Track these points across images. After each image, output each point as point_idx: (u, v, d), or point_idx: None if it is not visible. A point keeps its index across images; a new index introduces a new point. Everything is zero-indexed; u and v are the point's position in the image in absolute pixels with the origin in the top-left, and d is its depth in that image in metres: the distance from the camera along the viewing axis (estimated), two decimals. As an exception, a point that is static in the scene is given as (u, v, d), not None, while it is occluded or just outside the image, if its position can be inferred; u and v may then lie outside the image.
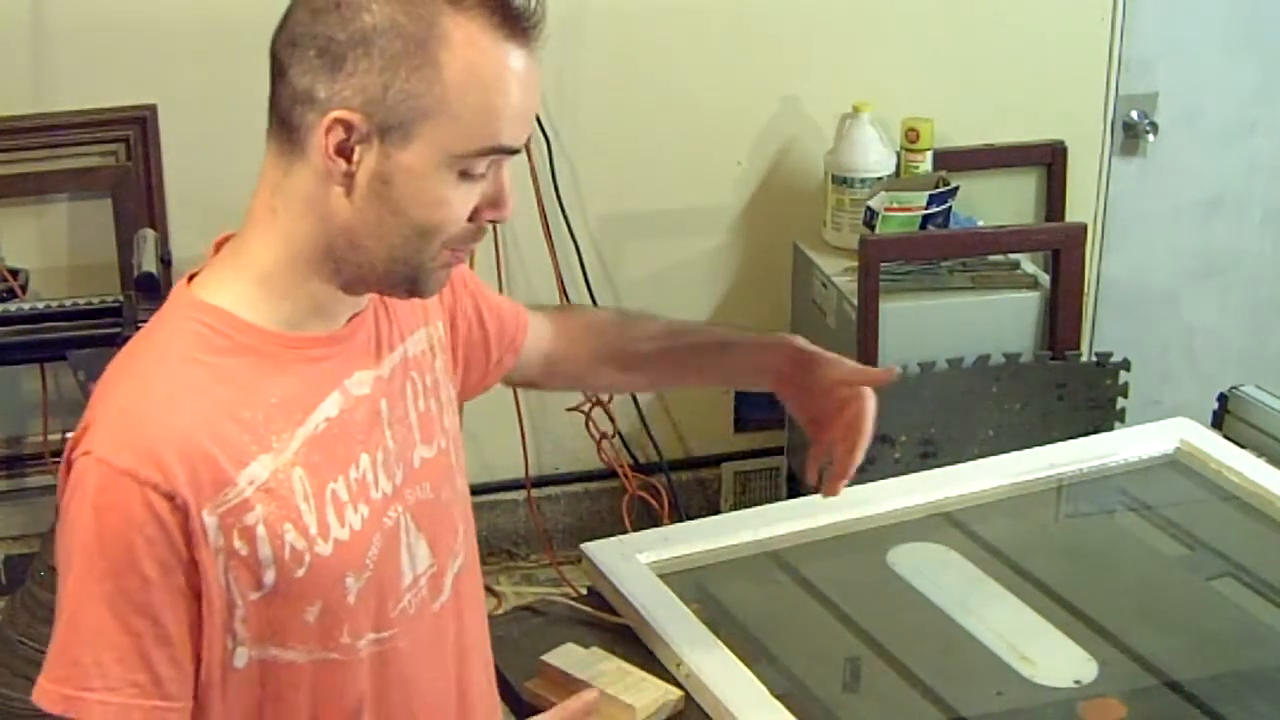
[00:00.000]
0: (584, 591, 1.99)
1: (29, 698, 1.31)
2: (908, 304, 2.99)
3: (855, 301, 2.96)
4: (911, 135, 3.25)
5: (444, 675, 1.49)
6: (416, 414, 1.46)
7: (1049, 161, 3.47)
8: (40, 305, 2.73)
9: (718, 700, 1.68)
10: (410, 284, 1.35)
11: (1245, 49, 3.54)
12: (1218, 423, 2.35)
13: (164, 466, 1.24)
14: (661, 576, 1.90)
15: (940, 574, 1.98)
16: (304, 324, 1.35)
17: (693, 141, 3.29)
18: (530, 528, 3.43)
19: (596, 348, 1.78)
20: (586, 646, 1.78)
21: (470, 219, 1.32)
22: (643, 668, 1.74)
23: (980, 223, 3.32)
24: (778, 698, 1.69)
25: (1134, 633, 1.87)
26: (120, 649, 1.25)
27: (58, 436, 3.03)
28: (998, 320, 3.03)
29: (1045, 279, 3.06)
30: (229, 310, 1.32)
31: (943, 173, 3.20)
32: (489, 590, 3.24)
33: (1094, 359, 3.02)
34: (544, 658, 1.75)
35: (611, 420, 3.36)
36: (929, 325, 2.99)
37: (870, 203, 3.11)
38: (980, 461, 2.26)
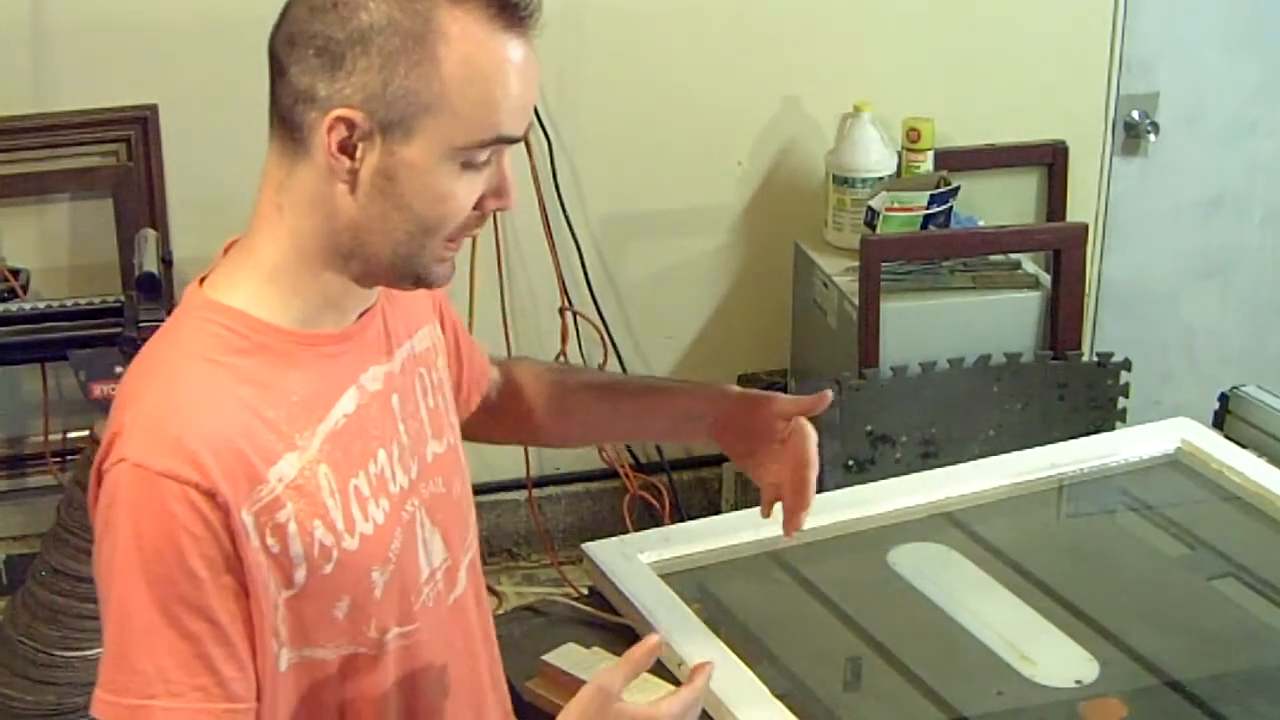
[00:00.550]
0: (585, 591, 1.99)
1: (29, 697, 1.31)
2: (909, 304, 2.99)
3: (856, 301, 2.96)
4: (912, 135, 3.25)
5: (466, 667, 1.51)
6: (426, 409, 1.48)
7: (1050, 161, 3.47)
8: (41, 305, 2.73)
9: (718, 700, 1.67)
10: (416, 277, 1.35)
11: (1246, 49, 3.54)
12: (1219, 423, 2.35)
13: (201, 466, 1.24)
14: (662, 576, 1.90)
15: (941, 574, 1.98)
16: (316, 320, 1.36)
17: (694, 141, 3.29)
18: (531, 528, 3.43)
19: (536, 393, 1.76)
20: (588, 646, 1.78)
21: (474, 209, 1.33)
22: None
23: (981, 222, 3.32)
24: (778, 697, 1.69)
25: (1135, 633, 1.87)
26: (180, 653, 1.24)
27: (58, 436, 3.04)
28: (999, 320, 3.03)
29: (1046, 279, 3.06)
30: (242, 310, 1.33)
31: (944, 172, 3.20)
32: (490, 590, 3.24)
33: (1095, 359, 3.02)
34: (545, 657, 1.75)
35: (612, 420, 3.35)
36: (930, 325, 2.99)
37: (871, 202, 3.11)
38: (981, 461, 2.26)
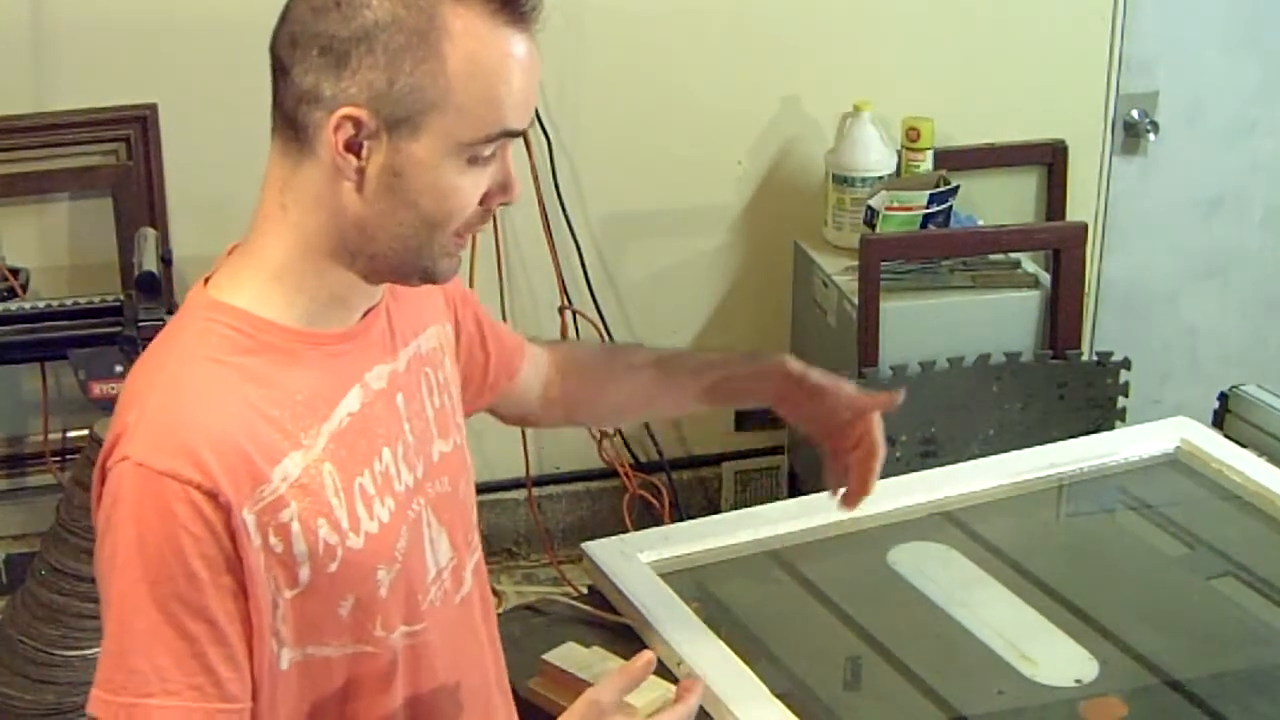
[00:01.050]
0: (585, 591, 1.99)
1: (28, 696, 1.31)
2: (908, 303, 2.99)
3: (856, 300, 2.96)
4: (912, 134, 3.25)
5: (473, 668, 1.51)
6: (432, 409, 1.48)
7: (1049, 161, 3.47)
8: (41, 304, 2.73)
9: (718, 699, 1.67)
10: (423, 272, 1.36)
11: (1245, 49, 3.54)
12: (1218, 422, 2.35)
13: (203, 466, 1.24)
14: (662, 576, 1.90)
15: (941, 573, 1.98)
16: (321, 319, 1.36)
17: (693, 141, 3.29)
18: (531, 527, 3.43)
19: (590, 374, 1.79)
20: (587, 646, 1.78)
21: (480, 204, 1.33)
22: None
23: (981, 222, 3.32)
24: (778, 697, 1.69)
25: (1135, 632, 1.87)
26: (177, 652, 1.25)
27: (58, 436, 3.04)
28: (998, 319, 3.02)
29: (1046, 278, 3.06)
30: (247, 309, 1.33)
31: (943, 172, 3.20)
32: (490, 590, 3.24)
33: (1094, 358, 3.02)
34: (545, 657, 1.75)
35: (612, 420, 3.36)
36: (929, 324, 2.99)
37: (871, 202, 3.11)
38: (981, 461, 2.26)
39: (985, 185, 3.42)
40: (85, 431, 2.71)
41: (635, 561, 1.92)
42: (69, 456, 2.98)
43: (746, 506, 2.38)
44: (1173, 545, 2.13)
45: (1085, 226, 3.08)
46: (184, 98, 2.98)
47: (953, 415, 2.95)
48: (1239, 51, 3.54)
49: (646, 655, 1.35)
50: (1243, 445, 2.24)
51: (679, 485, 3.44)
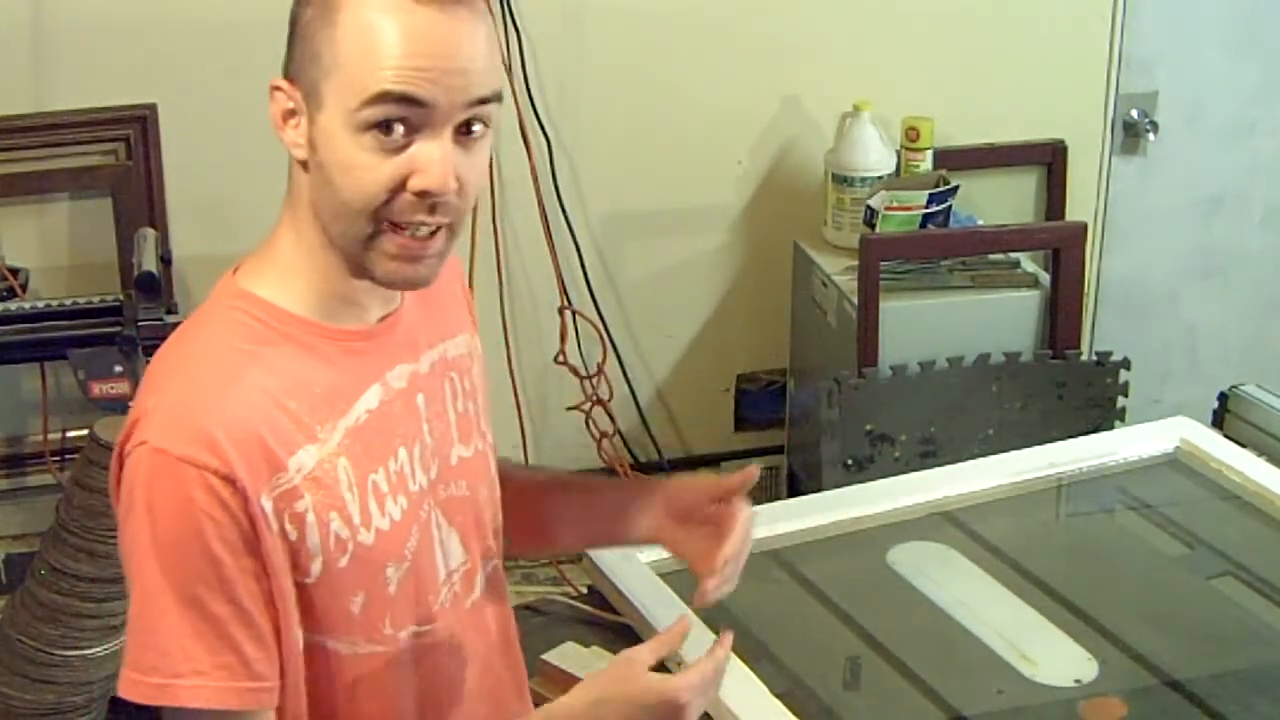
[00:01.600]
0: (584, 590, 1.99)
1: (28, 696, 1.31)
2: (908, 303, 2.99)
3: (855, 300, 2.96)
4: (912, 134, 3.25)
5: (483, 673, 1.51)
6: (455, 414, 1.48)
7: (1049, 160, 3.47)
8: (40, 304, 2.73)
9: (718, 699, 1.67)
10: (358, 265, 1.33)
11: (1245, 48, 3.54)
12: (1218, 422, 2.35)
13: (221, 452, 1.25)
14: (662, 575, 1.90)
15: (940, 573, 1.99)
16: (335, 315, 1.36)
17: (693, 141, 3.29)
18: (530, 527, 3.43)
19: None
20: (587, 645, 1.78)
21: (401, 189, 1.29)
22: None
23: (980, 222, 3.32)
24: (778, 697, 1.70)
25: (1134, 632, 1.87)
26: (204, 634, 1.26)
27: (58, 436, 3.03)
28: (998, 319, 3.02)
29: (1045, 278, 3.06)
30: (268, 299, 1.35)
31: (943, 172, 3.19)
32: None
33: (1094, 358, 3.02)
34: (545, 656, 1.75)
35: (612, 419, 3.36)
36: (929, 324, 2.99)
37: (870, 202, 3.11)
38: (980, 460, 2.26)
39: (985, 185, 3.42)
40: (85, 431, 2.71)
41: (635, 561, 1.92)
42: (69, 456, 2.97)
43: (746, 506, 2.38)
44: (1173, 545, 2.13)
45: (1085, 226, 3.08)
46: (184, 98, 2.98)
47: (953, 415, 2.95)
48: (1239, 51, 3.54)
49: (683, 623, 1.39)
50: (1243, 445, 2.25)
51: (679, 485, 3.44)
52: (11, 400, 3.08)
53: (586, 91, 3.21)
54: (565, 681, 1.70)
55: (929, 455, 2.90)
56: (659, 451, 3.42)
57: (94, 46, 2.93)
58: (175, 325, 2.56)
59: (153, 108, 2.98)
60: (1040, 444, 2.26)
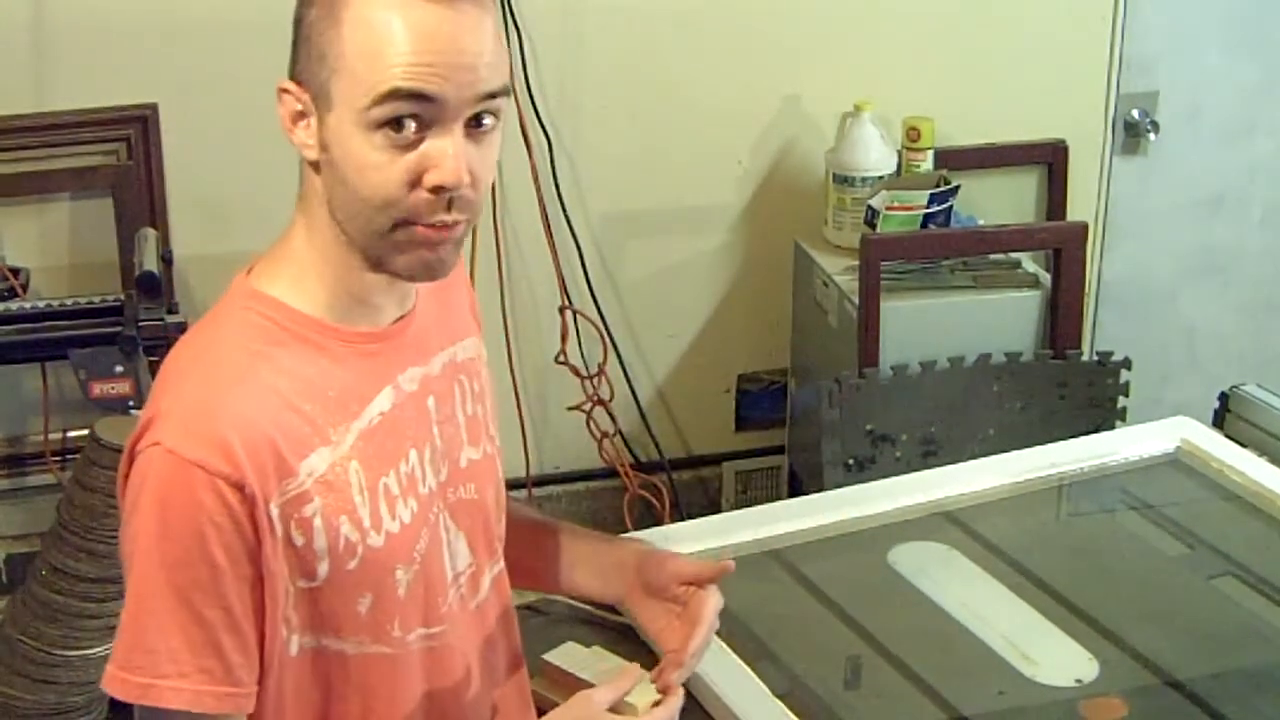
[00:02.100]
0: (585, 591, 1.98)
1: (29, 696, 1.32)
2: (909, 303, 2.99)
3: (856, 300, 2.96)
4: (912, 134, 3.25)
5: (487, 675, 1.51)
6: (464, 416, 1.48)
7: (1050, 160, 3.47)
8: (41, 304, 2.73)
9: (719, 699, 1.68)
10: (376, 260, 1.33)
11: (1245, 48, 3.54)
12: (1219, 422, 2.35)
13: (232, 457, 1.25)
14: (662, 576, 1.89)
15: (941, 573, 1.99)
16: (348, 317, 1.36)
17: (693, 141, 3.29)
18: (531, 527, 3.43)
19: None
20: (588, 646, 1.78)
21: (417, 186, 1.29)
22: (644, 667, 1.74)
23: (981, 222, 3.32)
24: (779, 697, 1.70)
25: (1135, 632, 1.87)
26: (192, 637, 1.27)
27: (58, 436, 3.03)
28: (999, 319, 3.02)
29: (1046, 278, 3.06)
30: (281, 300, 1.34)
31: (944, 171, 3.20)
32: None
33: (1095, 358, 3.02)
34: (545, 657, 1.75)
35: (612, 419, 3.36)
36: (930, 324, 2.99)
37: (871, 201, 3.11)
38: (981, 460, 2.26)
39: (985, 185, 3.42)
40: (85, 431, 2.71)
41: (635, 561, 1.91)
42: (69, 456, 2.97)
43: (747, 506, 2.38)
44: (1173, 545, 2.13)
45: (1085, 226, 3.08)
46: (184, 98, 2.98)
47: (953, 415, 2.95)
48: (1239, 51, 3.54)
49: (634, 670, 1.42)
50: (1243, 445, 2.24)
51: (679, 485, 3.44)
52: (12, 400, 3.08)
53: (587, 91, 3.21)
54: (566, 681, 1.70)
55: (930, 455, 2.91)
56: (660, 451, 3.42)
57: (94, 46, 2.93)
58: (176, 325, 2.58)
59: (153, 107, 2.98)
60: (1041, 444, 2.26)
